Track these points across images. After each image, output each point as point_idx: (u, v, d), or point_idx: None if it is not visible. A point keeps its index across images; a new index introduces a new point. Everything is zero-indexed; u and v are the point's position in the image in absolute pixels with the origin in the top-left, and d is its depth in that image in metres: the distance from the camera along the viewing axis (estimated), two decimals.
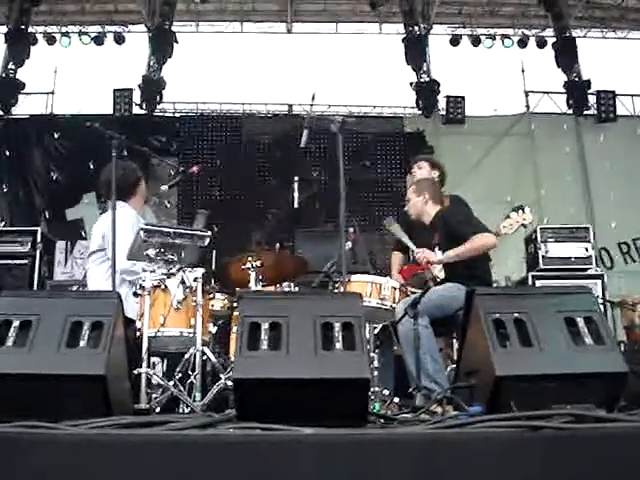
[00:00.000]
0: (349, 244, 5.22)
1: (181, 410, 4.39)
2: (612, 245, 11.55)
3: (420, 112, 12.52)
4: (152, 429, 2.41)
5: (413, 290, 5.13)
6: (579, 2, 12.49)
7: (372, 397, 4.29)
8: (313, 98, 5.28)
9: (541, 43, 12.60)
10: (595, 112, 12.48)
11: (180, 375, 4.51)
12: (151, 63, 12.36)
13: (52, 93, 12.49)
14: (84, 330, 2.92)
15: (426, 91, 12.45)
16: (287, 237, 7.88)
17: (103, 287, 5.12)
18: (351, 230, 5.39)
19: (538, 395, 2.72)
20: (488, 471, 2.25)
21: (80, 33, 12.29)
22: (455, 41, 12.57)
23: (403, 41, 12.47)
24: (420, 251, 5.22)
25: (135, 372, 4.22)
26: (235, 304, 5.39)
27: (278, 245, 6.54)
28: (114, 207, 4.75)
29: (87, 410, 2.62)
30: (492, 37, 12.59)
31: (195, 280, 4.71)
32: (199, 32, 13.16)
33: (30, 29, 12.17)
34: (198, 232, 4.89)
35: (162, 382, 4.43)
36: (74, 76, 12.32)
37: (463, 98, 12.39)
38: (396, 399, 4.70)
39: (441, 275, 5.16)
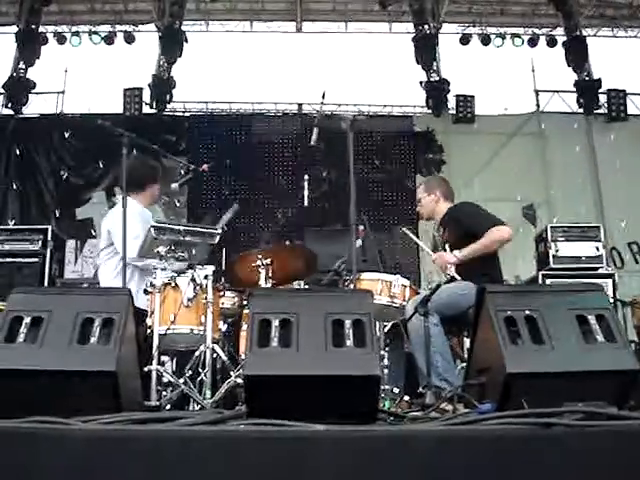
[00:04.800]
0: (359, 241, 5.20)
1: (191, 408, 4.40)
2: (622, 245, 11.50)
3: (430, 111, 12.52)
4: (163, 425, 2.41)
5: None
6: (589, 1, 12.44)
7: (382, 395, 4.28)
8: (323, 96, 5.26)
9: (551, 42, 12.56)
10: (606, 111, 12.45)
11: (190, 373, 4.52)
12: (161, 62, 12.39)
13: (62, 92, 12.52)
14: (95, 327, 2.93)
15: (436, 90, 12.45)
16: (297, 236, 7.88)
17: (113, 282, 5.18)
18: (361, 228, 5.38)
19: (549, 392, 2.70)
20: (499, 468, 2.24)
21: (90, 33, 12.31)
22: (465, 40, 12.54)
23: (413, 40, 12.45)
24: (436, 256, 5.19)
25: (145, 369, 4.23)
26: (245, 302, 5.39)
27: (287, 242, 6.56)
28: (125, 203, 4.76)
29: (98, 406, 2.63)
30: (502, 36, 12.54)
31: (205, 278, 4.72)
32: (209, 31, 13.17)
33: (40, 29, 12.19)
34: (208, 230, 4.90)
35: (172, 379, 4.44)
36: (84, 75, 12.35)
37: (473, 97, 12.38)
38: (406, 397, 4.69)
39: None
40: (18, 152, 11.79)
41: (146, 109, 12.22)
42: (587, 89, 12.42)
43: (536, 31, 12.72)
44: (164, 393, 4.42)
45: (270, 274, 5.41)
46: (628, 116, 12.42)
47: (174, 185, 5.70)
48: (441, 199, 5.44)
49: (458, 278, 4.96)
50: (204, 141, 12.05)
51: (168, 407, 4.30)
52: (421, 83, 12.51)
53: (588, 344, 2.94)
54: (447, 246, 5.26)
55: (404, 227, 5.57)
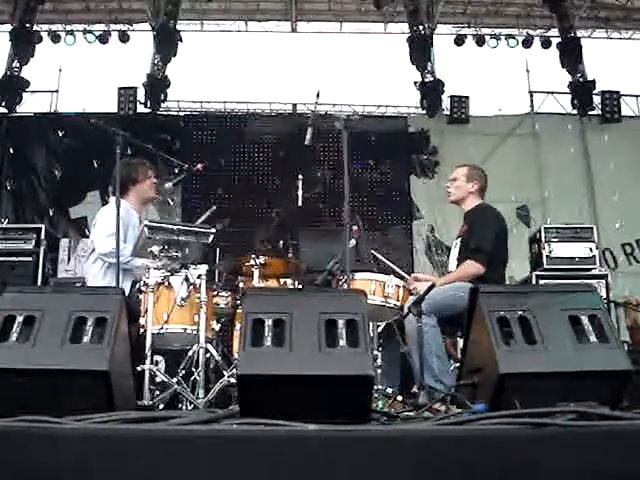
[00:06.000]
0: (353, 242, 5.19)
1: (184, 407, 4.39)
2: (616, 246, 11.54)
3: (424, 112, 12.53)
4: (156, 424, 2.40)
5: None
6: (584, 2, 12.46)
7: (375, 395, 4.28)
8: (318, 95, 5.26)
9: (546, 43, 12.59)
10: (600, 112, 12.48)
11: (183, 372, 4.52)
12: (155, 62, 12.36)
13: (56, 91, 12.50)
14: (88, 326, 2.93)
15: (430, 91, 12.45)
16: (291, 236, 7.87)
17: (98, 282, 5.26)
18: (355, 227, 5.36)
19: (542, 393, 2.71)
20: (491, 468, 2.24)
21: (85, 31, 12.30)
22: (460, 41, 12.56)
23: (408, 40, 12.45)
24: (411, 280, 5.20)
25: (138, 369, 4.22)
26: (239, 302, 5.40)
27: (282, 243, 6.55)
28: (118, 203, 4.76)
29: (90, 406, 2.63)
30: (497, 37, 12.57)
31: (199, 277, 4.72)
32: (204, 31, 13.18)
33: (35, 27, 12.16)
34: (202, 229, 4.90)
35: (165, 379, 4.44)
36: (78, 74, 12.34)
37: (467, 98, 12.41)
38: (399, 397, 4.69)
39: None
40: (12, 151, 11.76)
41: (140, 108, 12.20)
42: (581, 90, 12.44)
43: (530, 32, 12.75)
44: (157, 393, 4.42)
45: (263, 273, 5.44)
46: (622, 117, 12.46)
47: (168, 184, 5.70)
48: (476, 193, 5.41)
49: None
50: (198, 140, 12.05)
51: (161, 407, 4.30)
52: (415, 83, 12.50)
53: (581, 344, 2.95)
54: (459, 240, 5.28)
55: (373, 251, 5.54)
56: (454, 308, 4.67)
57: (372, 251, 5.59)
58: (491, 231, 5.20)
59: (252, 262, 5.41)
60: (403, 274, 5.35)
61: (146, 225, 4.73)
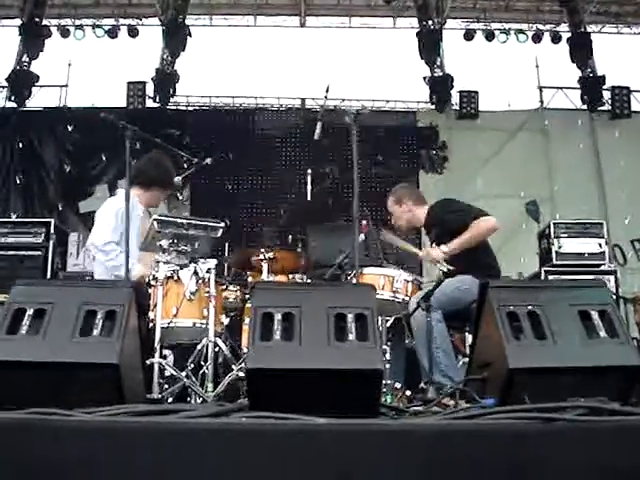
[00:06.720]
0: (362, 236, 5.19)
1: (193, 401, 4.40)
2: (625, 242, 11.48)
3: (433, 107, 12.50)
4: (165, 417, 2.41)
5: None
6: None
7: (384, 389, 4.28)
8: (327, 90, 5.25)
9: (555, 38, 12.53)
10: (609, 108, 12.42)
11: (192, 366, 4.53)
12: (164, 56, 12.38)
13: (66, 86, 12.52)
14: (97, 319, 2.93)
15: (439, 86, 12.43)
16: (300, 231, 7.87)
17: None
18: (364, 222, 5.36)
19: (551, 388, 2.70)
20: (499, 463, 2.24)
21: (94, 26, 12.30)
22: (469, 36, 12.51)
23: (417, 35, 12.45)
24: (424, 253, 5.16)
25: (148, 362, 4.23)
26: (248, 296, 5.40)
27: (290, 237, 6.56)
28: (127, 196, 4.75)
29: (100, 399, 2.63)
30: (506, 32, 12.52)
31: (208, 271, 4.73)
32: (212, 25, 13.16)
33: (44, 22, 12.20)
34: (211, 223, 4.90)
35: (174, 372, 4.45)
36: (88, 69, 12.34)
37: (477, 93, 12.36)
38: (407, 392, 4.69)
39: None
40: (21, 145, 11.79)
41: (150, 103, 12.22)
42: (591, 86, 12.40)
43: (540, 27, 12.70)
44: (166, 386, 4.43)
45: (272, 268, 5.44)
46: (632, 113, 12.38)
47: (177, 179, 5.70)
48: (413, 207, 5.40)
49: (452, 268, 4.89)
50: (207, 135, 12.02)
51: (170, 400, 4.32)
52: (425, 78, 12.48)
53: (591, 340, 2.93)
54: (435, 245, 5.24)
55: (382, 236, 5.47)
56: (460, 302, 4.68)
57: (381, 234, 5.53)
58: (461, 205, 5.21)
59: (261, 256, 5.42)
60: (413, 249, 5.32)
61: (155, 219, 4.74)
